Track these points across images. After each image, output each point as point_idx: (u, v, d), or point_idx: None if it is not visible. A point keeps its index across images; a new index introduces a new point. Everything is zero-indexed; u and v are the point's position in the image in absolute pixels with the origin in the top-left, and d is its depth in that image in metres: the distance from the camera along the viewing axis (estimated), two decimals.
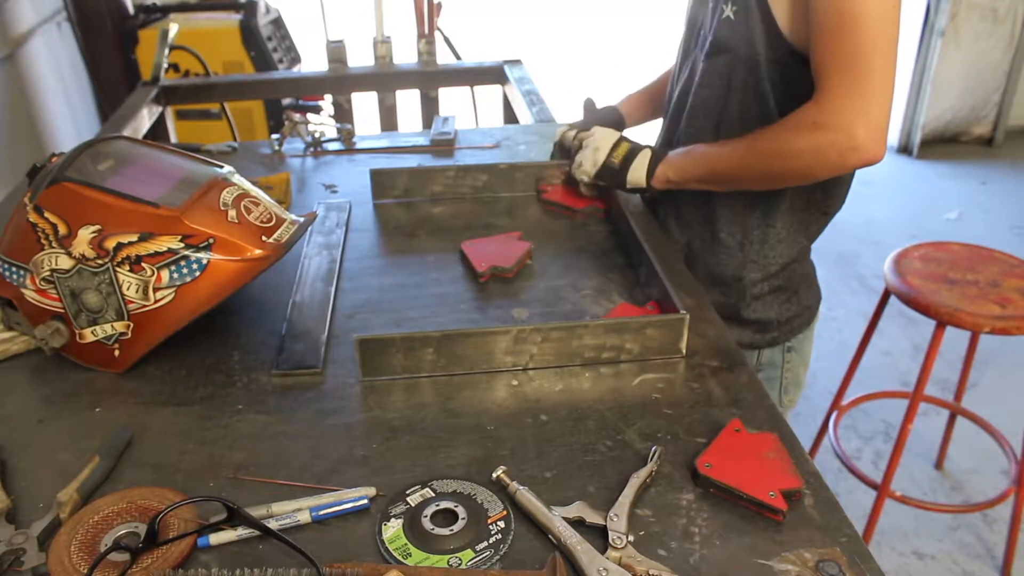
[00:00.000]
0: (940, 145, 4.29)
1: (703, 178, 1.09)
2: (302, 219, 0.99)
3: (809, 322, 1.23)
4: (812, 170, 0.97)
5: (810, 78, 0.97)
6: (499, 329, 0.90)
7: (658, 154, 1.14)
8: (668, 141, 1.22)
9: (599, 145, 1.18)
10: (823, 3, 0.91)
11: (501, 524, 0.71)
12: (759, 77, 1.04)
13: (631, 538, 0.68)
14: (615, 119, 1.36)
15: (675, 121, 1.20)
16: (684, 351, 0.93)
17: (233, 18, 2.73)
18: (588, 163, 1.19)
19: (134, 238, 0.88)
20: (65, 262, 0.89)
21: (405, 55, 2.16)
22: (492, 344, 0.90)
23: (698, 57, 1.12)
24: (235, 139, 2.24)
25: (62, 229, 0.89)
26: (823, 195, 1.13)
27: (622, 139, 1.19)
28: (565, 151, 1.34)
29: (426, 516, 0.71)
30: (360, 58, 2.14)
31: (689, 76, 1.15)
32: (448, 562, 0.67)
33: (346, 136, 1.60)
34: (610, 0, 7.20)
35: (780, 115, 1.04)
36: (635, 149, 1.16)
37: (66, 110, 2.61)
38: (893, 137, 4.35)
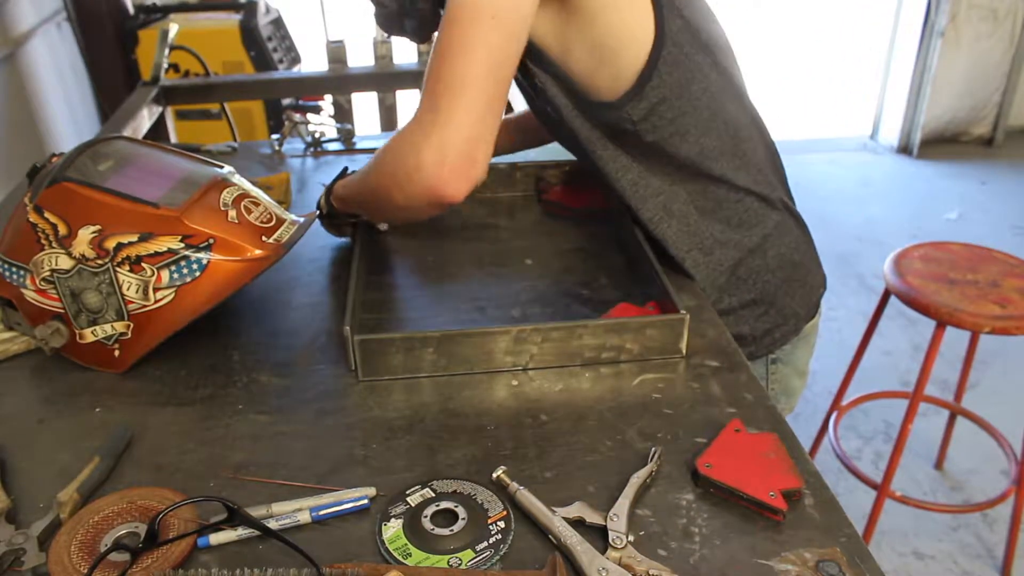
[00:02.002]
0: (940, 145, 4.29)
1: (356, 200, 1.05)
2: (302, 219, 0.99)
3: (797, 331, 1.13)
4: (389, 189, 0.91)
5: (626, 122, 0.96)
6: (499, 329, 0.90)
7: (337, 180, 1.11)
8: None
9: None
10: (440, 29, 0.87)
11: (501, 524, 0.71)
12: (596, 142, 1.02)
13: (631, 538, 0.68)
14: None
15: None
16: (684, 351, 0.93)
17: (233, 18, 2.73)
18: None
19: (134, 238, 0.88)
20: (65, 262, 0.89)
21: (405, 55, 2.16)
22: (492, 344, 0.90)
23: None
24: (235, 139, 2.24)
25: (62, 229, 0.89)
26: (716, 190, 1.06)
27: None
28: None
29: (426, 516, 0.71)
30: (360, 58, 2.14)
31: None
32: (448, 562, 0.67)
33: (346, 136, 1.61)
34: None
35: (639, 166, 1.02)
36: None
37: (66, 110, 2.61)
38: (893, 137, 4.35)
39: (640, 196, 1.05)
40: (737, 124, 1.04)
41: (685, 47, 0.95)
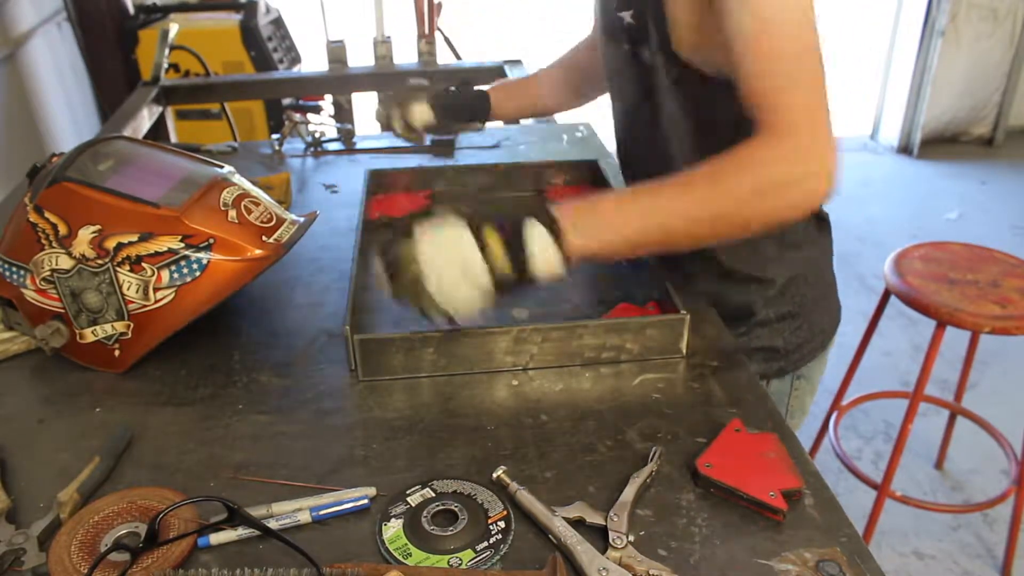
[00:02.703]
0: (940, 145, 4.29)
1: (643, 236, 0.83)
2: (302, 219, 0.99)
3: (823, 347, 1.14)
4: (777, 210, 0.82)
5: (719, 99, 0.89)
6: (499, 329, 0.90)
7: (556, 225, 0.80)
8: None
9: (462, 256, 0.79)
10: (750, 27, 0.81)
11: (501, 524, 0.71)
12: (671, 105, 0.97)
13: (631, 538, 0.68)
14: (461, 105, 1.32)
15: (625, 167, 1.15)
16: (684, 351, 0.93)
17: (233, 18, 2.73)
18: (464, 293, 0.80)
19: (134, 238, 0.88)
20: (65, 262, 0.89)
21: (405, 55, 2.16)
22: (492, 344, 0.90)
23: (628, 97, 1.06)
24: (235, 139, 2.23)
25: (62, 229, 0.89)
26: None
27: (477, 225, 0.80)
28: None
29: (426, 516, 0.71)
30: (360, 58, 2.14)
31: (626, 121, 1.10)
32: (448, 562, 0.67)
33: (346, 136, 1.60)
34: None
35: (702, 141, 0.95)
36: (516, 231, 0.80)
37: (66, 110, 2.61)
38: (893, 137, 4.35)
39: None
40: None
41: None
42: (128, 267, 0.88)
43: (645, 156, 1.07)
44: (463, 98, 1.32)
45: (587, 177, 1.35)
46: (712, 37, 0.87)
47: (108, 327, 0.91)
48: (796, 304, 1.09)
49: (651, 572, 0.65)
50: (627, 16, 0.98)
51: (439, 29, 2.12)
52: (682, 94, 0.96)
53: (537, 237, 0.80)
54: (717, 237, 0.88)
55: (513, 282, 0.81)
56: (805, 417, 1.21)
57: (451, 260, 0.79)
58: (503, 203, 1.33)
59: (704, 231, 0.84)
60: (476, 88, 1.34)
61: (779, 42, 0.81)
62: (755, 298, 1.07)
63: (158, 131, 1.96)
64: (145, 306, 0.90)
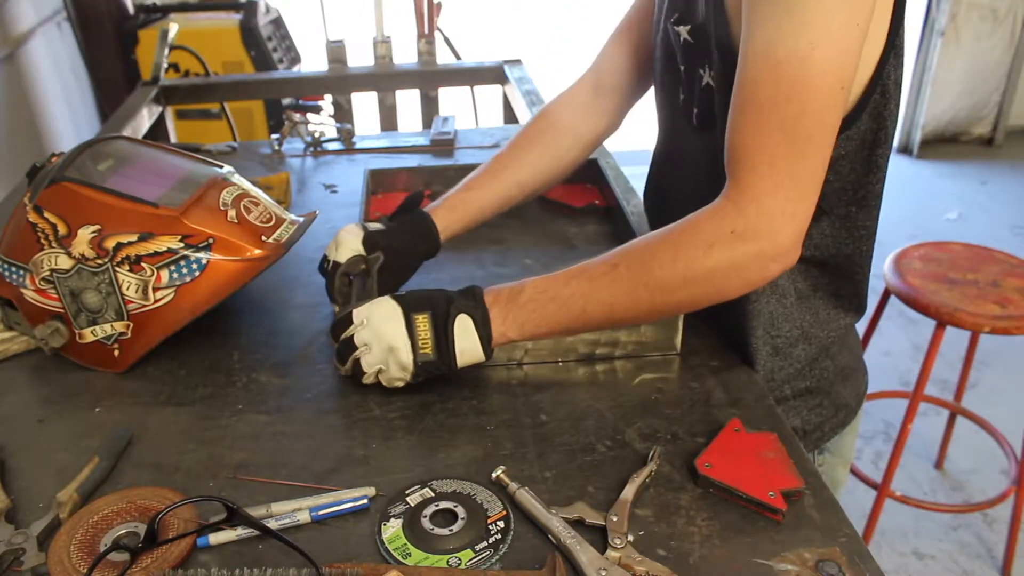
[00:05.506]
0: (940, 145, 4.29)
1: (565, 326, 0.82)
2: (302, 219, 0.99)
3: (846, 422, 0.99)
4: (723, 293, 0.78)
5: None
6: None
7: (480, 311, 0.81)
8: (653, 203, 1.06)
9: (390, 342, 0.81)
10: (756, 68, 0.71)
11: (501, 524, 0.71)
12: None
13: (631, 538, 0.68)
14: (409, 241, 1.01)
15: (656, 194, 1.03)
16: (679, 348, 0.93)
17: (233, 18, 2.73)
18: (393, 370, 0.83)
19: (134, 238, 0.88)
20: (65, 262, 0.89)
21: (405, 55, 2.16)
22: None
23: (683, 132, 0.93)
24: (235, 139, 2.23)
25: (62, 229, 0.89)
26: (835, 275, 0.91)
27: (408, 309, 0.82)
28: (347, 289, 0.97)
29: (426, 516, 0.71)
30: (360, 58, 2.14)
31: (671, 154, 0.99)
32: (448, 562, 0.67)
33: (346, 136, 1.61)
34: (611, 0, 7.21)
35: None
36: (440, 315, 0.81)
37: (66, 110, 2.61)
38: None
39: None
40: (874, 213, 0.90)
41: (892, 97, 0.81)
42: (127, 267, 0.88)
43: (688, 193, 0.91)
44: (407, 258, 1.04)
45: (587, 177, 1.35)
46: None
47: (108, 327, 0.91)
48: (816, 378, 0.95)
49: (651, 572, 0.65)
50: (683, 32, 0.86)
51: (439, 29, 2.12)
52: None
53: (464, 333, 0.81)
54: (644, 320, 0.88)
55: (435, 368, 0.83)
56: (842, 487, 1.06)
57: (381, 341, 0.82)
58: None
59: (632, 317, 0.83)
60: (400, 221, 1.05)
61: (803, 96, 0.70)
62: (775, 376, 0.94)
63: (158, 131, 1.96)
64: (145, 306, 0.90)
